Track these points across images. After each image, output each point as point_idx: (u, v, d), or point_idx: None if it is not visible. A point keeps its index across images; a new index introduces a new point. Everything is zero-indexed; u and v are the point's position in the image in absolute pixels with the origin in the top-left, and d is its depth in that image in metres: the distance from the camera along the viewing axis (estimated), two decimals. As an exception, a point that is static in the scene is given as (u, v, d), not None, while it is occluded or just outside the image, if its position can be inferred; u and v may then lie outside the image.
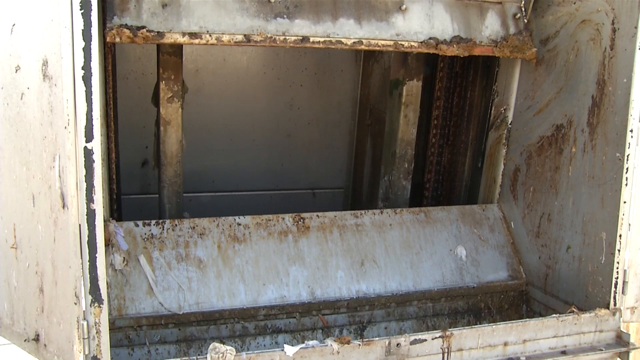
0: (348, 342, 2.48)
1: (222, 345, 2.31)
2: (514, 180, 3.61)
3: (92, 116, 2.11)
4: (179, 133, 3.44)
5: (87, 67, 2.09)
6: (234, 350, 2.32)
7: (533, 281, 3.47)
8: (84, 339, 2.20)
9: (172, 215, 3.54)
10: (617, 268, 2.90)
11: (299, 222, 3.29)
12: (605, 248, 2.95)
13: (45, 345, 2.41)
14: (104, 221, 2.59)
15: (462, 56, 3.24)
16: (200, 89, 4.31)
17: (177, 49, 3.26)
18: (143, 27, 2.68)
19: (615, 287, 2.92)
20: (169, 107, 3.34)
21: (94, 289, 2.19)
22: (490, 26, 3.26)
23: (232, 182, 4.48)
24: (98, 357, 2.22)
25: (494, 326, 2.73)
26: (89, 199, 2.14)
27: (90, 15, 2.06)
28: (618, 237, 2.87)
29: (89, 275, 2.17)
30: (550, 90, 3.33)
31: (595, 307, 2.95)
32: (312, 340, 2.51)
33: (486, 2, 3.27)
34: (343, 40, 2.97)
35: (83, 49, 2.07)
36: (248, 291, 3.04)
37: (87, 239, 2.16)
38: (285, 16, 2.90)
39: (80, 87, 2.09)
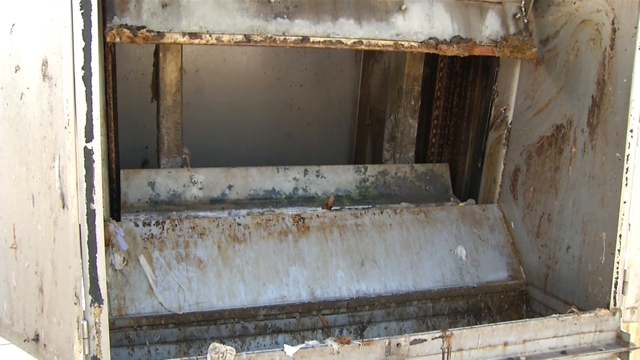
0: (348, 342, 2.48)
1: (222, 345, 2.31)
2: (514, 180, 3.61)
3: (92, 116, 2.11)
4: (178, 60, 3.37)
5: (87, 67, 2.08)
6: (234, 350, 2.31)
7: (533, 281, 3.47)
8: (84, 339, 2.20)
9: (172, 149, 3.51)
10: (617, 268, 2.90)
11: (299, 222, 3.29)
12: (605, 248, 2.95)
13: (45, 345, 2.41)
14: (104, 221, 2.59)
15: (462, 56, 3.25)
16: (200, 89, 4.31)
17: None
18: (143, 27, 2.68)
19: (615, 287, 2.92)
20: None
21: (94, 289, 2.19)
22: (490, 26, 3.26)
23: None
24: (98, 357, 2.22)
25: (494, 326, 2.73)
26: (89, 199, 2.14)
27: (90, 15, 2.06)
28: (618, 237, 2.87)
29: (89, 275, 2.17)
30: (550, 90, 3.33)
31: (595, 307, 2.95)
32: (312, 340, 2.51)
33: (486, 2, 3.27)
34: (343, 40, 2.97)
35: (83, 49, 2.07)
36: (248, 291, 3.04)
37: (87, 239, 2.16)
38: (285, 16, 2.90)
39: (80, 87, 2.09)
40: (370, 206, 3.59)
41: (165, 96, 3.43)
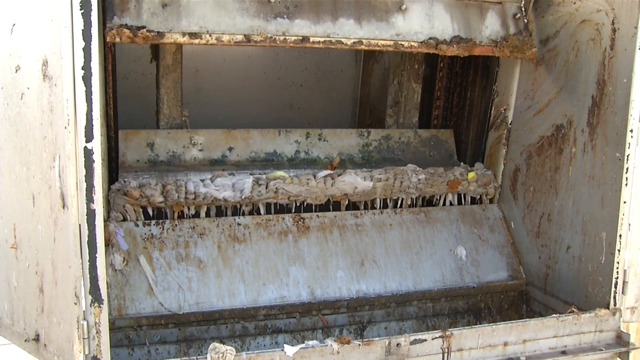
0: (348, 342, 2.48)
1: (222, 345, 2.31)
2: (514, 180, 3.61)
3: (92, 116, 2.11)
4: None
5: (87, 67, 2.09)
6: (234, 350, 2.32)
7: (533, 281, 3.47)
8: (84, 339, 2.20)
9: (171, 110, 3.46)
10: (617, 268, 2.90)
11: (299, 222, 3.29)
12: (605, 248, 2.95)
13: (45, 345, 2.41)
14: (104, 221, 2.59)
15: (462, 56, 3.24)
16: (200, 89, 4.31)
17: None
18: (143, 27, 2.68)
19: (615, 287, 2.92)
20: None
21: (94, 289, 2.19)
22: (490, 26, 3.26)
23: None
24: (98, 357, 2.22)
25: (494, 326, 2.73)
26: (89, 199, 2.14)
27: (90, 15, 2.06)
28: (618, 237, 2.87)
29: (89, 275, 2.17)
30: (550, 90, 3.33)
31: (595, 307, 2.95)
32: (312, 340, 2.51)
33: (486, 2, 3.27)
34: (343, 40, 2.97)
35: (83, 49, 2.07)
36: (248, 291, 3.04)
37: (87, 239, 2.16)
38: (285, 16, 2.90)
39: (80, 87, 2.09)
40: (372, 169, 3.51)
41: (165, 55, 3.37)
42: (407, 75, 3.91)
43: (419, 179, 3.46)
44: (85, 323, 2.20)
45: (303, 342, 2.46)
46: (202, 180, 3.17)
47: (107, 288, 2.57)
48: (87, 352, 2.21)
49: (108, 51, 2.93)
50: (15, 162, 2.43)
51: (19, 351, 2.60)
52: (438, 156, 3.89)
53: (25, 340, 2.49)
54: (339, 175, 3.33)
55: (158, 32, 2.71)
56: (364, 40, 3.00)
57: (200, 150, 3.44)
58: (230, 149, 3.48)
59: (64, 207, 2.17)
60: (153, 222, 3.05)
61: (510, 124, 3.62)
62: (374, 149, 3.77)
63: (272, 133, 3.58)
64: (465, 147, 3.96)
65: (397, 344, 2.54)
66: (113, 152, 3.18)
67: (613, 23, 2.90)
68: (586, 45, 3.08)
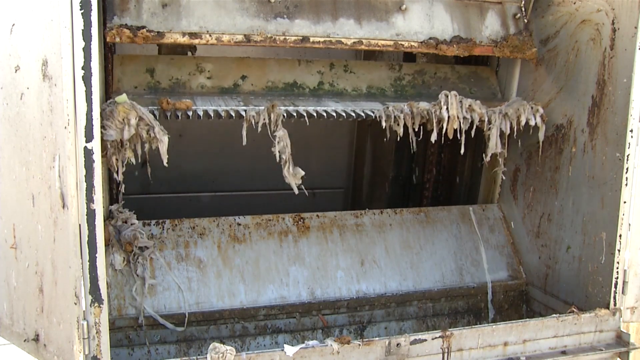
0: (348, 342, 2.48)
1: (222, 345, 2.31)
2: (514, 180, 3.61)
3: (92, 116, 2.11)
4: None
5: (87, 67, 2.09)
6: (234, 350, 2.32)
7: (533, 281, 3.47)
8: (84, 339, 2.20)
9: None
10: (617, 268, 2.90)
11: (299, 222, 3.29)
12: (605, 248, 2.95)
13: (45, 345, 2.41)
14: (104, 221, 2.59)
15: (462, 56, 3.24)
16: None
17: None
18: (143, 27, 2.68)
19: (615, 287, 2.92)
20: None
21: (94, 289, 2.19)
22: (490, 26, 3.26)
23: (232, 182, 4.48)
24: (98, 357, 2.22)
25: (494, 326, 2.73)
26: (89, 199, 2.14)
27: (90, 15, 2.06)
28: (618, 237, 2.87)
29: (89, 275, 2.17)
30: (550, 90, 3.33)
31: (595, 307, 2.95)
32: (312, 340, 2.51)
33: (486, 2, 3.27)
34: (343, 40, 2.97)
35: (83, 49, 2.07)
36: (248, 291, 3.04)
37: (87, 239, 2.16)
38: (285, 16, 2.90)
39: (80, 87, 2.09)
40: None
41: None
42: None
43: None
44: (85, 323, 2.20)
45: (303, 342, 2.46)
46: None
47: (107, 288, 2.57)
48: (87, 352, 2.21)
49: (108, 51, 2.93)
50: (15, 162, 2.43)
51: (19, 351, 2.60)
52: (480, 93, 3.58)
53: (25, 341, 2.49)
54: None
55: (158, 32, 2.71)
56: (364, 40, 3.00)
57: (208, 77, 3.13)
58: (243, 77, 3.17)
59: (64, 207, 2.17)
60: (153, 222, 3.05)
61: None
62: (408, 84, 3.48)
63: (290, 62, 3.27)
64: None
65: (397, 344, 2.54)
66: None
67: (613, 23, 2.90)
68: (586, 45, 3.08)
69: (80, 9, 2.05)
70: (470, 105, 3.14)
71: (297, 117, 2.99)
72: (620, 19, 2.86)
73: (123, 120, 2.55)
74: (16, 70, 2.35)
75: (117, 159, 2.67)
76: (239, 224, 3.18)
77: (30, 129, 2.31)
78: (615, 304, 2.93)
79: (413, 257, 3.40)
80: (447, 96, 3.11)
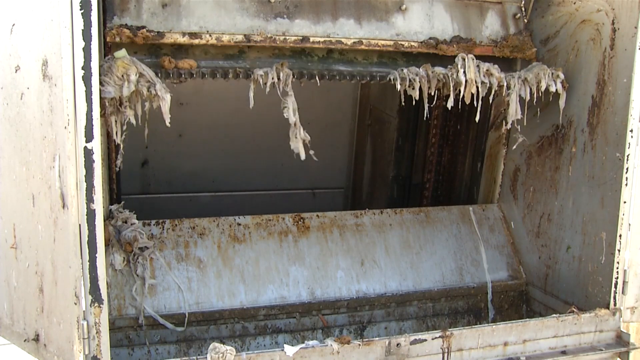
0: (348, 342, 2.48)
1: (222, 345, 2.31)
2: (514, 180, 3.61)
3: (92, 116, 2.11)
4: None
5: (87, 67, 2.09)
6: (234, 350, 2.32)
7: (533, 281, 3.47)
8: (84, 339, 2.20)
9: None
10: (617, 268, 2.90)
11: (299, 222, 3.29)
12: (605, 248, 2.95)
13: (45, 345, 2.41)
14: (104, 221, 2.59)
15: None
16: (200, 89, 4.30)
17: None
18: (143, 27, 2.68)
19: (615, 287, 2.92)
20: None
21: (94, 289, 2.19)
22: (490, 26, 3.26)
23: (232, 182, 4.48)
24: (98, 357, 2.22)
25: (494, 326, 2.73)
26: (89, 199, 2.14)
27: (90, 15, 2.06)
28: (618, 237, 2.87)
29: (89, 275, 2.17)
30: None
31: (595, 307, 2.95)
32: (312, 340, 2.51)
33: (486, 2, 3.27)
34: (343, 40, 2.97)
35: (83, 49, 2.07)
36: (248, 291, 3.04)
37: (87, 239, 2.16)
38: (285, 16, 2.90)
39: (80, 87, 2.09)
40: None
41: None
42: None
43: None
44: (85, 323, 2.20)
45: (303, 342, 2.46)
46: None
47: (107, 288, 2.57)
48: (87, 352, 2.21)
49: (108, 51, 2.93)
50: (15, 162, 2.43)
51: (19, 351, 2.60)
52: None
53: (25, 340, 2.49)
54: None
55: (158, 32, 2.71)
56: (363, 40, 3.00)
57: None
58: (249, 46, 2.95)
59: (64, 207, 2.17)
60: (153, 222, 3.05)
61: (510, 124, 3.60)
62: (420, 54, 3.19)
63: None
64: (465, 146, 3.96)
65: (397, 344, 2.54)
66: (113, 152, 3.17)
67: (613, 23, 2.90)
68: (586, 45, 3.08)
69: (80, 9, 2.05)
70: (488, 69, 3.07)
71: (307, 79, 2.95)
72: (620, 19, 2.86)
73: (122, 76, 2.43)
74: (16, 70, 2.35)
75: (116, 120, 2.53)
76: (239, 224, 3.18)
77: (31, 129, 2.31)
78: (615, 304, 2.93)
79: (413, 257, 3.40)
80: (465, 59, 3.05)
